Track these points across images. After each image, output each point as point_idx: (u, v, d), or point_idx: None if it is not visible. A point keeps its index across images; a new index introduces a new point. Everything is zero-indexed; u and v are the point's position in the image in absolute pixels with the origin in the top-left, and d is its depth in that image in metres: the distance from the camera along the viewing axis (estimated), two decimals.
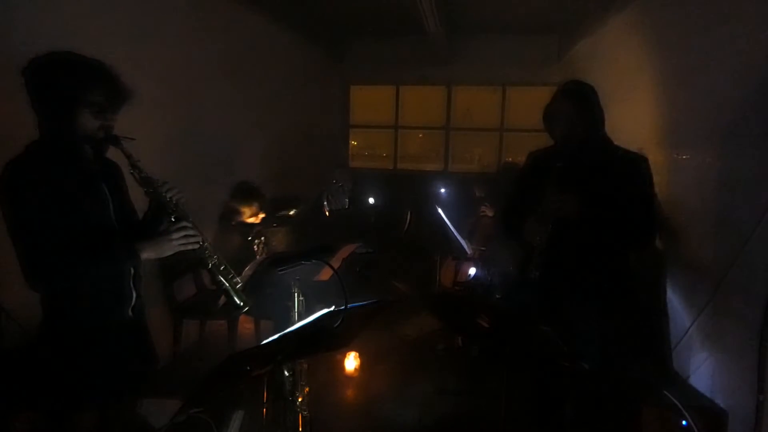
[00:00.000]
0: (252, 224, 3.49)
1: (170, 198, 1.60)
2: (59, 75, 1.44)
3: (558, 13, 5.41)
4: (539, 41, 6.31)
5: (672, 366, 2.60)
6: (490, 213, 4.48)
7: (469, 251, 3.78)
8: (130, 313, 1.66)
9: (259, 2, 4.48)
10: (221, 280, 1.67)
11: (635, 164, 2.10)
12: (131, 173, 1.57)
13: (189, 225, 1.59)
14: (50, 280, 1.46)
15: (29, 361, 1.67)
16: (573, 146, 2.07)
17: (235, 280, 1.71)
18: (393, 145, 7.40)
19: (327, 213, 4.35)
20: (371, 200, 4.61)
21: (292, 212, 4.05)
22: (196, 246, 1.61)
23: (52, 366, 1.55)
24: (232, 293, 1.69)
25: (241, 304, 1.71)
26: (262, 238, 3.48)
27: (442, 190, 5.21)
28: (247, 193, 3.47)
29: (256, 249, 3.44)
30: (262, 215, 3.53)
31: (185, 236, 1.57)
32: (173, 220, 1.59)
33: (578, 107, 2.05)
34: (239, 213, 3.43)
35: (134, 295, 1.67)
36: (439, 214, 3.68)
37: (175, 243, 1.56)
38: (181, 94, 3.44)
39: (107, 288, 1.58)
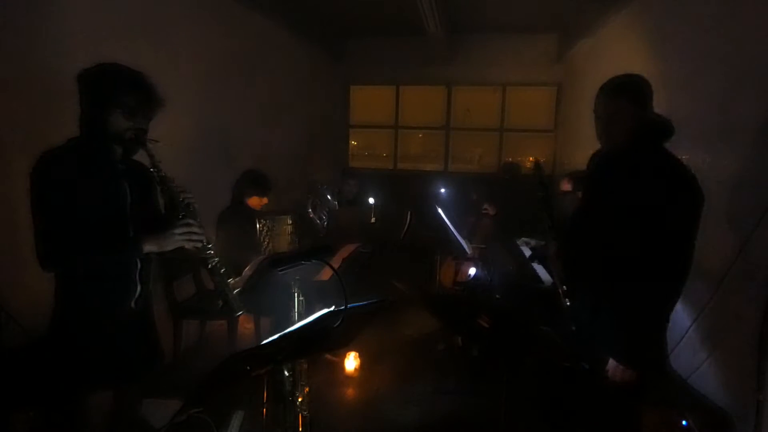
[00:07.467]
0: (257, 210, 3.55)
1: (183, 199, 1.70)
2: (98, 79, 1.62)
3: (558, 13, 5.41)
4: (539, 41, 6.33)
5: (669, 365, 2.60)
6: (492, 212, 4.48)
7: (469, 251, 3.78)
8: (133, 305, 1.73)
9: (259, 2, 4.48)
10: (220, 281, 1.76)
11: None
12: (151, 171, 1.69)
13: (194, 223, 1.69)
14: (58, 261, 1.58)
15: (42, 349, 1.76)
16: None
17: (233, 285, 1.80)
18: (393, 145, 7.42)
19: (318, 220, 4.36)
20: (371, 200, 4.61)
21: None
22: (199, 244, 1.71)
23: (62, 352, 1.64)
24: (229, 297, 1.78)
25: (237, 309, 1.81)
26: (268, 222, 3.59)
27: (442, 190, 5.20)
28: (254, 179, 3.52)
29: (260, 234, 3.53)
30: (266, 201, 3.59)
31: (188, 233, 1.66)
32: (181, 217, 1.68)
33: None
34: (246, 198, 3.49)
35: (138, 288, 1.74)
36: (439, 214, 3.68)
37: (178, 238, 1.65)
38: (180, 94, 3.44)
39: (113, 278, 1.67)
